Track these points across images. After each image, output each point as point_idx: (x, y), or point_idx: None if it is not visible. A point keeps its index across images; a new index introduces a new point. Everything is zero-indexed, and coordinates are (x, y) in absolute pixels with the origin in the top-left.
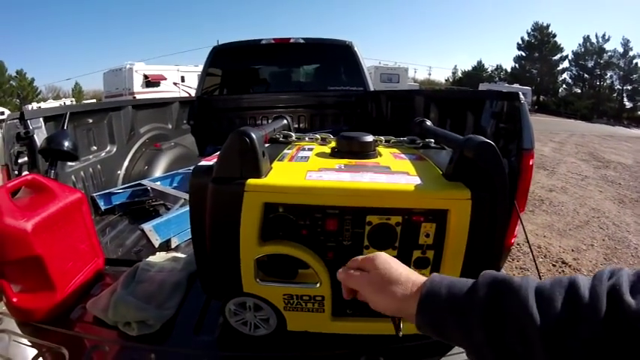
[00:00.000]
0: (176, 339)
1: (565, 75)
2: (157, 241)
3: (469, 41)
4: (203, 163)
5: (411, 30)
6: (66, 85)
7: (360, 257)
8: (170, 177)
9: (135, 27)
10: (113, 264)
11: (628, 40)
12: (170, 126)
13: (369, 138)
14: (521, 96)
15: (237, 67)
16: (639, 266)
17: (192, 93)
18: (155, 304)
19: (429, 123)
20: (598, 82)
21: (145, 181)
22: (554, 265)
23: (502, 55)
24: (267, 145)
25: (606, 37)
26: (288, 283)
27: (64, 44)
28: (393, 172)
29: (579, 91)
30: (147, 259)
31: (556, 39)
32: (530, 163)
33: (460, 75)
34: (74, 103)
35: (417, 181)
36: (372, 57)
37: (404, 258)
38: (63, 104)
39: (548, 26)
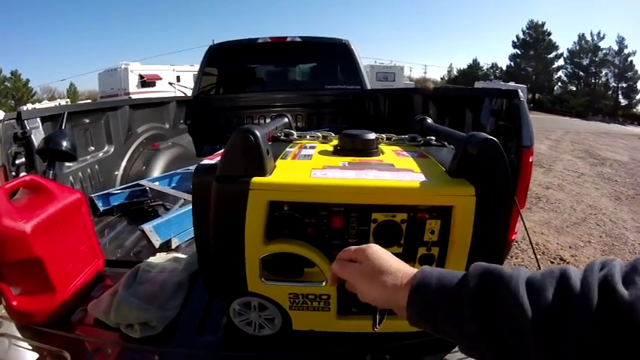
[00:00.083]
0: (179, 340)
1: (560, 73)
2: (157, 242)
3: (464, 40)
4: (206, 161)
5: (406, 28)
6: (61, 85)
7: (353, 248)
8: (168, 177)
9: (130, 27)
10: (113, 265)
11: (623, 38)
12: (167, 126)
13: (372, 135)
14: (521, 93)
15: (233, 66)
16: None
17: (188, 93)
18: (157, 305)
19: (429, 121)
20: (593, 79)
21: (143, 182)
22: (552, 262)
23: (497, 53)
24: (269, 143)
25: (601, 35)
26: (293, 282)
27: (58, 44)
28: (397, 170)
29: (574, 88)
30: (148, 260)
31: (551, 37)
32: (530, 160)
33: (456, 73)
34: (69, 103)
35: (422, 178)
36: (367, 56)
37: (409, 255)
38: (58, 105)
39: (543, 24)
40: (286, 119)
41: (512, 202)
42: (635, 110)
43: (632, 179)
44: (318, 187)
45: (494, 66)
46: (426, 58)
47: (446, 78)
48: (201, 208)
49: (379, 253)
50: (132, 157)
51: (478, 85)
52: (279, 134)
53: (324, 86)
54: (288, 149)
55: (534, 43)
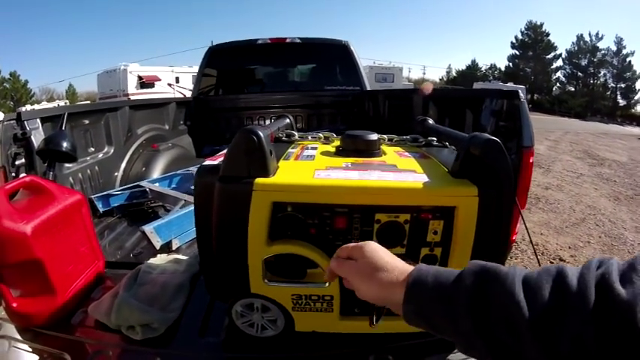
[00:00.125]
0: (181, 342)
1: (559, 73)
2: (158, 243)
3: (463, 40)
4: (208, 162)
5: (405, 29)
6: (59, 86)
7: (351, 245)
8: (168, 178)
9: (129, 28)
10: (113, 267)
11: (621, 39)
12: (167, 127)
13: (374, 136)
14: (521, 94)
15: (233, 67)
16: None
17: (187, 94)
18: (158, 307)
19: (431, 121)
20: (592, 80)
21: (143, 183)
22: (551, 262)
23: (496, 54)
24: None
25: (600, 36)
26: (296, 283)
27: (57, 45)
28: (400, 170)
29: (573, 89)
30: (148, 262)
31: (550, 38)
32: (531, 160)
33: (454, 74)
34: (68, 104)
35: (425, 178)
36: (366, 57)
37: (412, 256)
38: (57, 106)
39: (541, 25)
40: (288, 120)
41: (514, 203)
42: (633, 110)
43: (631, 179)
44: (321, 188)
45: (492, 67)
46: (424, 59)
47: (445, 79)
48: (204, 208)
49: (376, 250)
50: (131, 158)
51: (477, 85)
52: (280, 135)
53: (324, 87)
54: (290, 150)
55: (533, 43)
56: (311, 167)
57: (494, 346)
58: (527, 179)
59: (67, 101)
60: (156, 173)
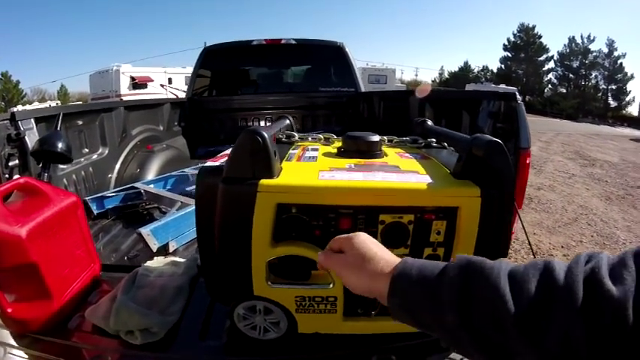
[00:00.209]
0: (181, 346)
1: (551, 75)
2: (155, 246)
3: (456, 42)
4: (209, 163)
5: (398, 31)
6: (51, 87)
7: (342, 237)
8: (163, 179)
9: (121, 28)
10: (109, 270)
11: (613, 41)
12: (161, 128)
13: (376, 138)
14: (518, 96)
15: (228, 68)
16: None
17: (180, 95)
18: (158, 310)
19: (430, 123)
20: (583, 81)
21: (138, 184)
22: None
23: (488, 56)
24: None
25: (591, 38)
26: (300, 285)
27: (48, 45)
28: (403, 172)
29: (565, 91)
30: (145, 264)
31: (542, 40)
32: (527, 161)
33: (447, 76)
34: (59, 105)
35: (429, 179)
36: (359, 58)
37: (415, 256)
38: (49, 107)
39: (534, 27)
40: (288, 121)
41: (514, 203)
42: (624, 112)
43: (622, 179)
44: (327, 189)
45: (485, 68)
46: (417, 61)
47: (437, 80)
48: (206, 210)
49: (364, 241)
50: (126, 160)
51: (469, 87)
52: (281, 136)
53: (319, 88)
54: (291, 151)
55: (525, 45)
56: (314, 168)
57: (479, 340)
58: (523, 180)
59: (59, 102)
60: (150, 174)
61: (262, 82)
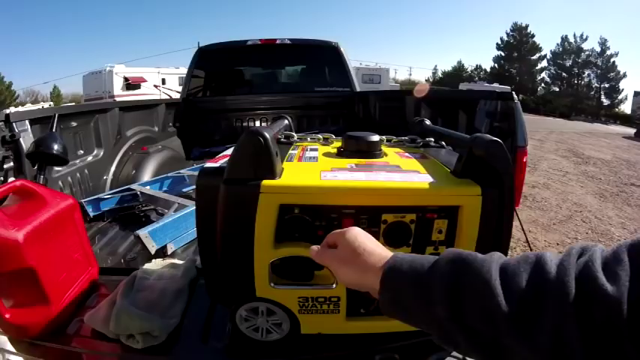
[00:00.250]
0: (183, 349)
1: (544, 74)
2: (153, 248)
3: (449, 42)
4: (209, 164)
5: (391, 30)
6: (44, 88)
7: (337, 231)
8: (159, 181)
9: (114, 29)
10: (107, 273)
11: (605, 40)
12: (156, 128)
13: (376, 137)
14: (515, 96)
15: (223, 69)
16: None
17: (174, 96)
18: (158, 314)
19: (428, 122)
20: (576, 80)
21: (134, 186)
22: None
23: (481, 55)
24: None
25: (584, 37)
26: (303, 286)
27: (41, 46)
28: (404, 171)
29: (558, 89)
30: (144, 267)
31: (534, 39)
32: (524, 160)
33: (440, 75)
34: (52, 106)
35: (430, 179)
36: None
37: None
38: (42, 108)
39: (527, 27)
40: (286, 121)
41: (513, 201)
42: (617, 110)
43: (616, 177)
44: (330, 190)
45: (478, 68)
46: (411, 60)
47: (431, 79)
48: (206, 211)
49: (357, 236)
50: (121, 161)
51: (462, 86)
52: (279, 136)
53: (314, 89)
54: (291, 151)
55: (518, 45)
56: (316, 169)
57: (470, 335)
58: (520, 178)
59: (52, 103)
60: (146, 176)
61: (257, 82)
